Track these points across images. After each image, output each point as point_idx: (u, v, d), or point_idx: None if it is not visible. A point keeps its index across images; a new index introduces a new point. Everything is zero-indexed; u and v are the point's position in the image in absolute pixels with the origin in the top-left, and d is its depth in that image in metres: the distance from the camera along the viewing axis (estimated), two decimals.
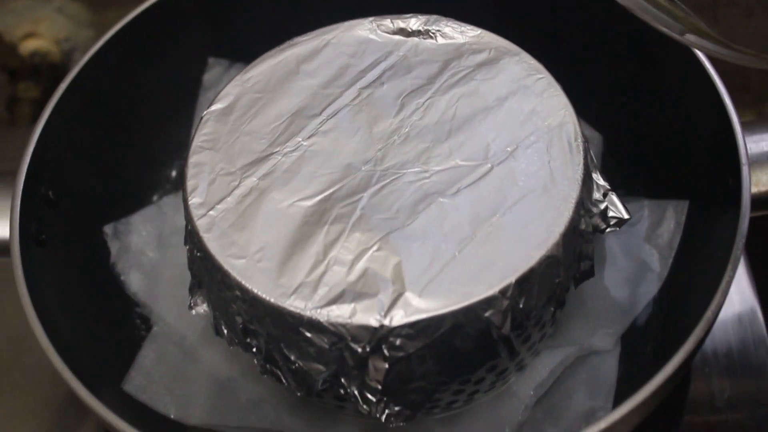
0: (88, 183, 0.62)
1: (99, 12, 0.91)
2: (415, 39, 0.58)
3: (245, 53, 0.66)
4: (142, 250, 0.63)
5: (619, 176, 0.65)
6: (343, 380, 0.49)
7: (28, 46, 0.89)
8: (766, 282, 0.69)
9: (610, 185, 0.62)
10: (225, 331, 0.53)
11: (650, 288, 0.59)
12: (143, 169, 0.67)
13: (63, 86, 0.60)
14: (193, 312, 0.54)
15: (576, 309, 0.59)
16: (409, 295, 0.47)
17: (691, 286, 0.56)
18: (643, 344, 0.58)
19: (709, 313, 0.49)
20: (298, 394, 0.50)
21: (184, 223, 0.54)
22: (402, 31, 0.59)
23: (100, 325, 0.59)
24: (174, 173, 0.68)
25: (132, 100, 0.65)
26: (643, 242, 0.61)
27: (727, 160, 0.55)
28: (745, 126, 0.55)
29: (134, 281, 0.62)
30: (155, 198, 0.67)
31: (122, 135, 0.65)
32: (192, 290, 0.55)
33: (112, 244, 0.62)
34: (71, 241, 0.60)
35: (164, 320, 0.61)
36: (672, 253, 0.59)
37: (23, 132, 0.84)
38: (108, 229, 0.63)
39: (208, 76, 0.68)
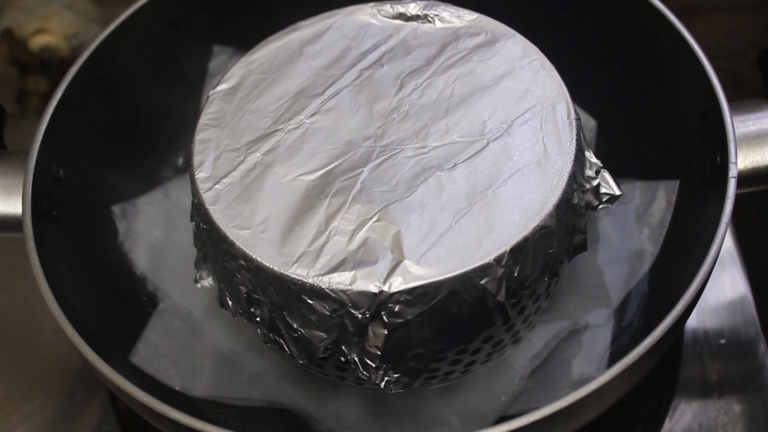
0: (97, 163, 0.64)
1: (107, 9, 0.93)
2: (414, 23, 0.60)
3: (250, 41, 0.68)
4: (149, 231, 0.65)
5: (612, 160, 0.66)
6: (343, 347, 0.51)
7: (38, 42, 0.91)
8: (755, 265, 0.71)
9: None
10: (230, 303, 0.55)
11: (642, 265, 0.61)
12: (150, 152, 0.68)
13: (74, 69, 0.62)
14: (199, 285, 0.56)
15: (570, 286, 0.60)
16: (407, 262, 0.49)
17: (681, 261, 0.58)
18: (635, 318, 0.60)
19: (698, 279, 0.50)
20: (300, 362, 0.52)
21: (189, 205, 0.56)
22: (401, 16, 0.61)
23: (108, 300, 0.61)
24: (180, 157, 0.70)
25: (139, 85, 0.67)
26: (635, 222, 0.63)
27: (715, 139, 0.57)
28: (732, 106, 0.57)
29: (141, 259, 0.64)
30: (162, 180, 0.68)
31: (129, 119, 0.67)
32: (197, 264, 0.57)
33: (120, 223, 0.64)
34: (81, 219, 0.61)
35: (170, 297, 0.63)
36: (663, 231, 0.61)
37: (32, 124, 0.86)
38: (116, 209, 0.64)
39: (213, 64, 0.70)
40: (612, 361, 0.58)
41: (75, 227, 0.60)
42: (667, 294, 0.58)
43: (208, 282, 0.56)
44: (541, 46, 0.59)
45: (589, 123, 0.67)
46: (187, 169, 0.58)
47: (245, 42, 0.68)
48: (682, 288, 0.53)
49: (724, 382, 0.65)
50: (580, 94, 0.65)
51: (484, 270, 0.49)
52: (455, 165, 0.53)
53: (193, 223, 0.56)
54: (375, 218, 0.51)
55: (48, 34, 0.91)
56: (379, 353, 0.50)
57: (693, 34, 0.89)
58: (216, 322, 0.61)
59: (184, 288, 0.62)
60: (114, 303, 0.61)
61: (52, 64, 0.91)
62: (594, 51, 0.68)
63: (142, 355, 0.60)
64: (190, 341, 0.61)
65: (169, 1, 0.66)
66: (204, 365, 0.60)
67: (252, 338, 0.60)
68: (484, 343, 0.55)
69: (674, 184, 0.62)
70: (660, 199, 0.62)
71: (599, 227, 0.63)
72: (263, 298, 0.52)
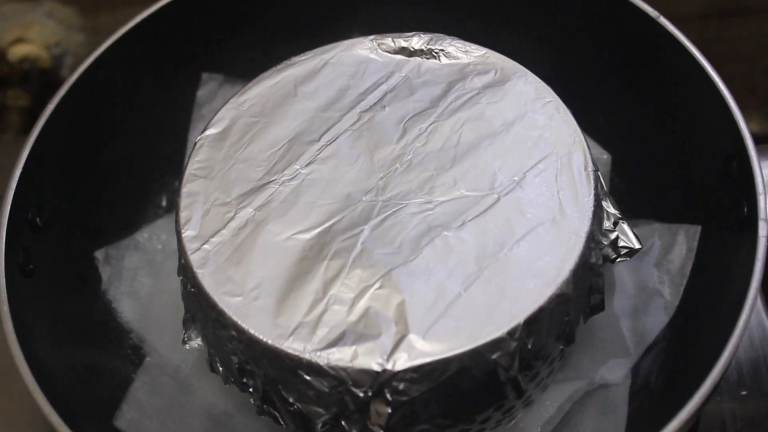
0: (77, 207, 0.60)
1: (90, 16, 0.88)
2: (418, 59, 0.56)
3: (240, 68, 0.64)
4: (135, 276, 0.61)
5: (627, 197, 0.62)
6: (343, 423, 0.47)
7: (17, 52, 0.86)
8: None
9: (618, 206, 0.60)
10: (220, 369, 0.51)
11: (661, 317, 0.57)
12: (135, 190, 0.64)
13: (51, 107, 0.57)
14: (187, 347, 0.52)
15: (584, 340, 0.56)
16: (412, 337, 0.45)
17: (704, 317, 0.54)
18: (655, 377, 0.56)
19: (726, 355, 0.47)
20: None
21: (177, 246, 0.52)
22: (404, 51, 0.56)
23: (91, 356, 0.57)
24: (167, 194, 0.65)
25: (123, 118, 0.63)
26: (653, 268, 0.59)
27: (742, 187, 0.53)
28: (760, 151, 0.53)
29: (126, 308, 0.60)
30: (148, 221, 0.64)
31: (113, 155, 0.62)
32: (186, 324, 0.53)
33: (103, 270, 0.60)
34: (60, 269, 0.57)
35: (157, 350, 0.59)
36: (683, 280, 0.57)
37: (12, 142, 0.81)
38: (99, 254, 0.60)
39: (201, 93, 0.65)
40: (630, 424, 0.54)
41: (54, 279, 0.56)
42: (690, 353, 0.54)
43: (197, 343, 0.52)
44: (553, 76, 0.55)
45: (603, 157, 0.62)
46: (174, 210, 0.53)
47: (236, 69, 0.64)
48: (708, 350, 0.49)
49: (746, 430, 0.61)
50: (593, 125, 0.61)
51: (496, 344, 0.46)
52: (463, 223, 0.49)
53: (181, 278, 0.52)
54: (377, 285, 0.47)
55: (28, 44, 0.87)
56: (382, 431, 0.46)
57: (707, 38, 0.85)
58: (206, 379, 0.57)
59: (171, 340, 0.58)
60: (97, 359, 0.58)
61: (32, 76, 0.86)
62: (608, 78, 0.64)
63: (128, 417, 0.56)
64: (179, 400, 0.57)
65: (152, 28, 0.62)
66: (194, 427, 0.56)
67: (245, 399, 0.56)
68: (494, 412, 0.51)
69: (695, 230, 0.57)
70: (680, 245, 0.58)
71: (615, 273, 0.59)
72: (256, 370, 0.48)
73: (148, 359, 0.59)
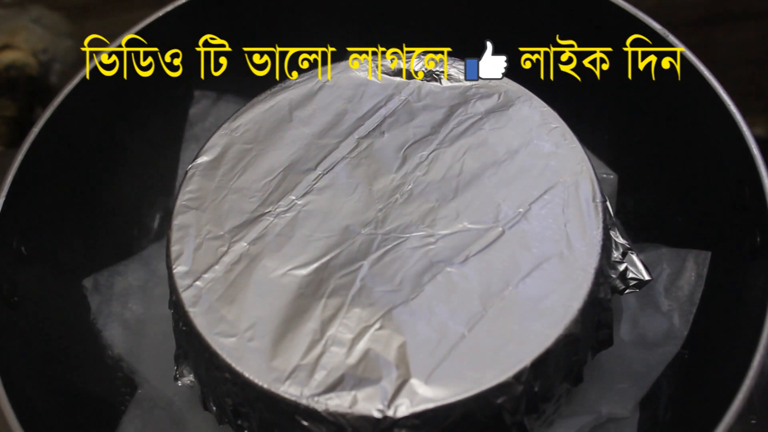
0: (64, 233, 0.57)
1: (79, 22, 0.86)
2: (418, 81, 0.54)
3: (234, 85, 0.62)
4: (125, 303, 0.59)
5: (634, 219, 0.61)
6: None
7: (4, 59, 0.83)
8: None
9: (624, 229, 0.58)
10: (214, 408, 0.49)
11: (670, 347, 0.55)
12: (125, 215, 0.62)
13: (36, 130, 0.55)
14: (179, 383, 0.51)
15: (592, 372, 0.55)
16: (414, 381, 0.44)
17: (716, 350, 0.52)
18: (664, 411, 0.54)
19: (739, 397, 0.45)
20: None
21: None
22: (403, 72, 0.54)
23: (79, 390, 0.55)
24: (159, 218, 0.63)
25: (111, 140, 0.60)
26: (661, 295, 0.57)
27: (754, 215, 0.51)
28: None
29: (116, 338, 0.58)
30: (138, 245, 0.62)
31: (102, 179, 0.60)
32: (177, 360, 0.51)
33: (92, 298, 0.58)
34: (47, 299, 0.55)
35: (149, 382, 0.56)
36: (693, 308, 0.55)
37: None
38: (87, 282, 0.58)
39: (194, 111, 0.63)
40: None
41: (39, 310, 0.54)
42: (701, 385, 0.53)
43: (189, 380, 0.51)
44: (557, 93, 0.53)
45: (609, 177, 0.60)
46: (165, 235, 0.51)
47: (229, 87, 0.62)
48: (718, 387, 0.47)
49: None
50: (598, 144, 0.59)
51: (501, 389, 0.44)
52: (467, 258, 0.47)
53: (172, 312, 0.50)
54: (377, 325, 0.45)
55: (15, 51, 0.84)
56: None
57: (713, 41, 0.82)
58: (201, 412, 0.55)
59: (164, 371, 0.56)
60: (86, 392, 0.55)
61: (19, 84, 0.83)
62: (613, 96, 0.61)
63: None
64: None
65: (142, 43, 0.59)
66: None
67: None
68: None
69: (705, 256, 0.55)
70: (689, 271, 0.56)
71: (622, 300, 0.57)
72: (252, 413, 0.46)
73: (139, 391, 0.57)
